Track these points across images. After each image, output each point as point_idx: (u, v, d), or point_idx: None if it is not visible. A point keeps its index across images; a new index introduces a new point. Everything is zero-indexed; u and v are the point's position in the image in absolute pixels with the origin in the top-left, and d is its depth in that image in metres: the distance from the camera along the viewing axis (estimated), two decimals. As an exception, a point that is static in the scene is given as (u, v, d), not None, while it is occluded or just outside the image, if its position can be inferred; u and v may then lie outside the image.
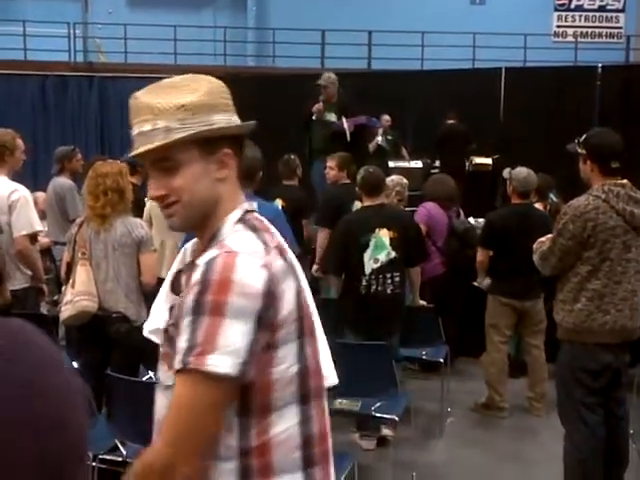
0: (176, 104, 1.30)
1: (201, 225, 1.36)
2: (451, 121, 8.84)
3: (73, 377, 0.58)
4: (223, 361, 1.19)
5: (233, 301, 1.20)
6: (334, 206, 5.38)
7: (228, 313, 1.19)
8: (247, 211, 1.37)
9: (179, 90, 1.32)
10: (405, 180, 5.61)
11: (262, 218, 1.39)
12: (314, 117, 7.16)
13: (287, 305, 1.27)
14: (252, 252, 1.26)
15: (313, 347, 1.34)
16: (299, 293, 1.31)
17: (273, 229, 1.38)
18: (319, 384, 1.36)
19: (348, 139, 6.98)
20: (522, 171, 4.86)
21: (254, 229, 1.33)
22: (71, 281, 3.64)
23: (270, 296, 1.23)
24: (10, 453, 0.51)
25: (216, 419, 1.24)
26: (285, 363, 1.28)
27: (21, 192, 4.22)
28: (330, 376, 1.43)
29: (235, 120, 1.37)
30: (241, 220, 1.34)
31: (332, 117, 7.16)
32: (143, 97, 1.33)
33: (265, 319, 1.23)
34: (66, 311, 3.59)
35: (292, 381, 1.29)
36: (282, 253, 1.32)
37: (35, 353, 0.56)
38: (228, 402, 1.25)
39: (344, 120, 6.99)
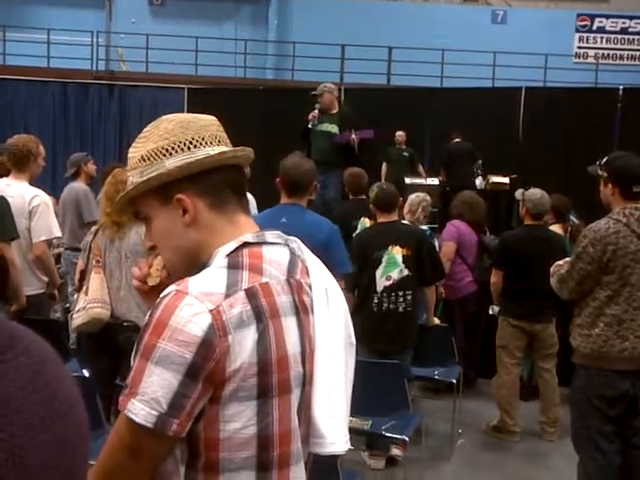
0: (138, 157, 1.26)
1: (193, 270, 1.24)
2: (457, 140, 8.75)
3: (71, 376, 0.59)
4: (140, 409, 1.10)
5: (162, 346, 1.10)
6: (340, 223, 5.33)
7: (154, 358, 1.10)
8: (245, 243, 1.22)
9: (146, 140, 1.27)
10: (429, 197, 5.58)
11: (266, 252, 1.23)
12: (310, 125, 6.88)
13: (239, 358, 1.12)
14: (205, 294, 1.13)
15: (284, 408, 1.18)
16: (265, 344, 1.15)
17: (284, 261, 1.24)
18: (286, 451, 1.19)
19: (356, 151, 6.80)
20: (536, 192, 4.79)
21: (234, 266, 1.18)
22: (84, 288, 3.64)
23: (209, 346, 1.10)
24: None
25: (137, 467, 1.14)
26: (236, 423, 1.14)
27: (42, 197, 4.23)
28: (337, 442, 1.24)
29: (200, 154, 1.23)
30: (230, 254, 1.20)
31: (334, 129, 6.91)
32: (130, 150, 1.29)
33: (201, 371, 1.10)
34: (78, 318, 3.59)
35: (247, 444, 1.15)
36: (260, 295, 1.16)
37: (38, 348, 0.58)
38: (154, 453, 1.14)
39: (353, 132, 6.81)
